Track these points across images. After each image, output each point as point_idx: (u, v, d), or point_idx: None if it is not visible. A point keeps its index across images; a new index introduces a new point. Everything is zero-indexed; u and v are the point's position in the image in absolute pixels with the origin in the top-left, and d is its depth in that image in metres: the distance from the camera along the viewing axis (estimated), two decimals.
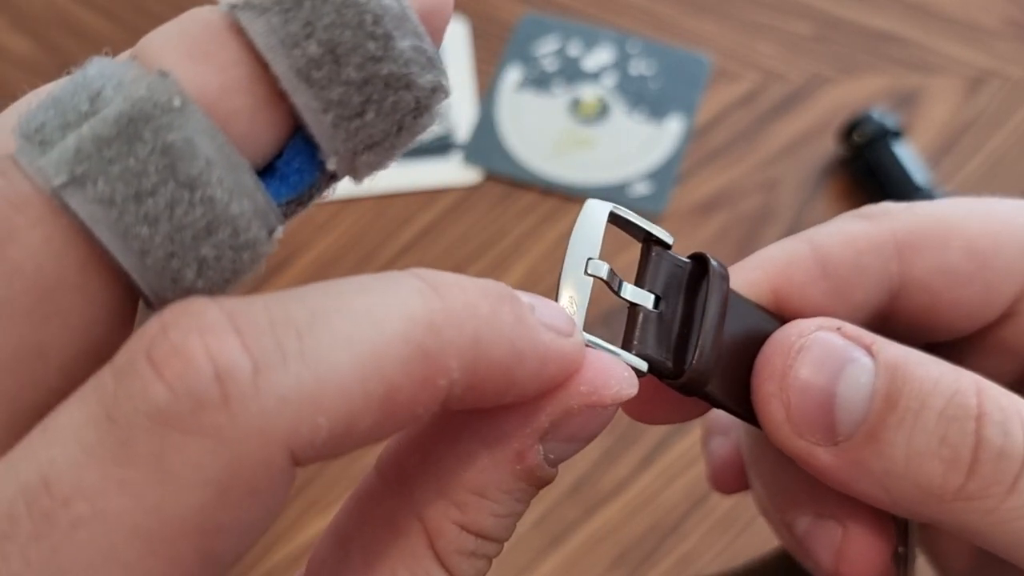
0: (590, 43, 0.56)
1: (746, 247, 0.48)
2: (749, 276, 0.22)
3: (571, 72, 0.55)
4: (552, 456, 0.18)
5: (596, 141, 0.53)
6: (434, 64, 0.16)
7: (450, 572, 0.18)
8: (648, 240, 0.21)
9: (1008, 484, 0.20)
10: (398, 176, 0.52)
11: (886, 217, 0.23)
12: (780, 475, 0.23)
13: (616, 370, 0.18)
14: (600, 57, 0.56)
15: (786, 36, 0.56)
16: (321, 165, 0.16)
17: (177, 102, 0.14)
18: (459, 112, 0.54)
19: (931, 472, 0.20)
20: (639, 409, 0.22)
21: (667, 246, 0.21)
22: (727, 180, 0.51)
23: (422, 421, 0.18)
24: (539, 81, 0.55)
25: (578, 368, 0.18)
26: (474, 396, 0.16)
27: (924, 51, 0.55)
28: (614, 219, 0.21)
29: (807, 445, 0.21)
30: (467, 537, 0.18)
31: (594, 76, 0.55)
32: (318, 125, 0.16)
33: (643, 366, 0.19)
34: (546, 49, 0.56)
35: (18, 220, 0.14)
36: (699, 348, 0.20)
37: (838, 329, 0.21)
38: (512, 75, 0.55)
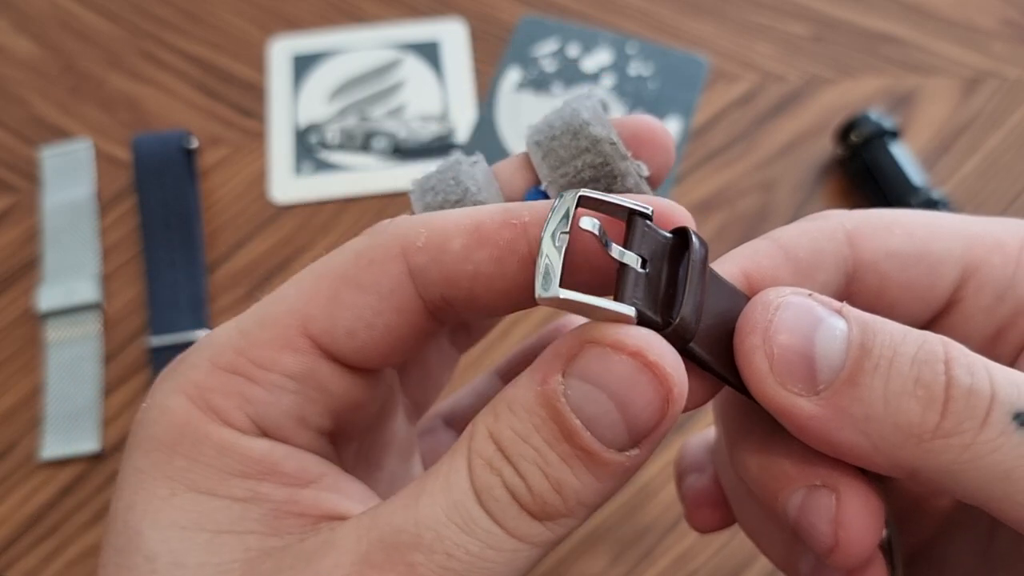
0: (589, 44, 0.56)
1: None
2: (722, 268, 0.24)
3: (570, 73, 0.55)
4: (572, 396, 0.20)
5: None
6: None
7: (471, 470, 0.21)
8: (632, 213, 0.22)
9: (980, 419, 0.21)
10: (399, 176, 0.52)
11: (835, 216, 0.25)
12: (768, 454, 0.24)
13: (622, 326, 0.21)
14: (599, 58, 0.56)
15: (784, 37, 0.56)
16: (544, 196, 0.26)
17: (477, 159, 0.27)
18: (459, 113, 0.54)
19: (909, 411, 0.21)
20: None
21: (648, 217, 0.22)
22: (725, 180, 0.52)
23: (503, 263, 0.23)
24: (538, 82, 0.55)
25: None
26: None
27: (921, 52, 0.55)
28: (593, 204, 0.22)
29: (790, 396, 0.22)
30: (489, 443, 0.21)
31: (593, 77, 0.55)
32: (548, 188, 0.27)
33: (631, 311, 0.21)
34: (545, 50, 0.56)
35: None
36: (683, 302, 0.22)
37: (809, 295, 0.23)
38: (511, 76, 0.55)
